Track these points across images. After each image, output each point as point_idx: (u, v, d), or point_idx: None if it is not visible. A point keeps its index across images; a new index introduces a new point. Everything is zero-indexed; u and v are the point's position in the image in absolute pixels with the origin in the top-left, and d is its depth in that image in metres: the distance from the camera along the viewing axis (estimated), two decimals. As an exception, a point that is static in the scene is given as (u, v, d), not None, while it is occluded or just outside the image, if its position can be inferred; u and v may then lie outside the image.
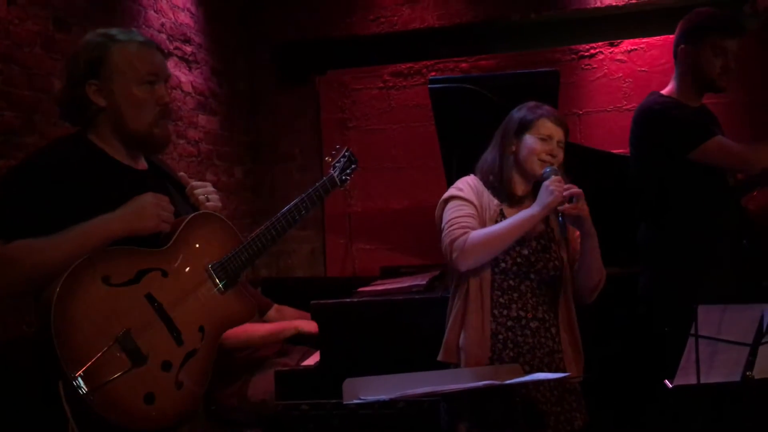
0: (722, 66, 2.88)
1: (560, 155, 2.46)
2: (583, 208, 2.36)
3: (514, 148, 2.48)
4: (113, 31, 2.05)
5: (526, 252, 2.44)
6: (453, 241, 2.39)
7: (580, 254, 2.46)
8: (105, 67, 1.99)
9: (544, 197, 2.36)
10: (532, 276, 2.45)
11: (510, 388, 2.32)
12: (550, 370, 2.39)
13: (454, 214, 2.44)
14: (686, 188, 2.88)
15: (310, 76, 5.30)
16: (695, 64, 2.91)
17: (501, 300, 2.44)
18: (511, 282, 2.44)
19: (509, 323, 2.43)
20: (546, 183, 2.37)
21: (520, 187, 2.51)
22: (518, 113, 2.52)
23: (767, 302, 2.26)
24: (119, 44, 2.01)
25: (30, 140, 3.15)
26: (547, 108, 2.50)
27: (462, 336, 2.44)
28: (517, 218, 2.39)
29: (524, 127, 2.48)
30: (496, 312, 2.43)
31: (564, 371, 2.41)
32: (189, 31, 4.51)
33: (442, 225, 2.46)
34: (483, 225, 2.45)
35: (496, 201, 2.49)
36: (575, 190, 2.36)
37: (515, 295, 2.44)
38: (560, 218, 2.38)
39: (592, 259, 2.43)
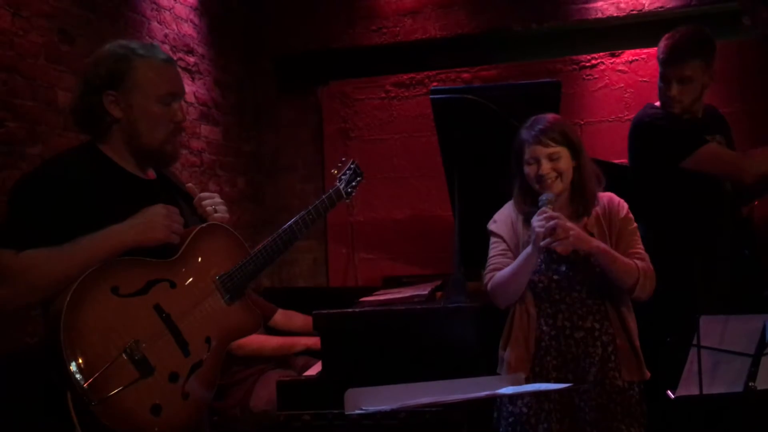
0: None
1: (559, 165, 2.48)
2: (565, 238, 2.36)
3: (521, 176, 2.56)
4: (134, 44, 2.07)
5: (563, 268, 2.49)
6: (486, 284, 2.56)
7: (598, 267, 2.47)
8: (126, 80, 2.00)
9: (533, 238, 2.40)
10: (578, 288, 2.49)
11: (546, 395, 2.40)
12: (596, 380, 2.44)
13: (490, 254, 2.60)
14: (682, 198, 2.90)
15: (312, 86, 5.31)
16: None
17: (549, 311, 2.51)
18: (556, 296, 2.50)
19: (553, 332, 2.49)
20: (532, 223, 2.41)
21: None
22: (515, 141, 2.57)
23: (769, 312, 2.27)
24: (142, 59, 2.02)
25: (33, 151, 3.16)
26: (534, 127, 2.51)
27: (507, 351, 2.53)
28: (520, 258, 2.46)
29: (519, 155, 2.55)
30: (542, 321, 2.51)
31: (616, 379, 2.45)
32: (192, 42, 4.54)
33: None
34: (518, 251, 2.53)
35: (526, 227, 2.53)
36: (551, 224, 2.35)
37: (562, 306, 2.50)
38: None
39: (606, 269, 2.44)
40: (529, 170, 2.51)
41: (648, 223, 3.00)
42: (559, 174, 2.49)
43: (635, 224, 2.56)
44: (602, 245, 2.43)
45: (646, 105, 3.09)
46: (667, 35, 2.98)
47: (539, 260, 2.47)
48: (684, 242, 2.89)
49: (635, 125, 3.02)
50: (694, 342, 2.23)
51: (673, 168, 2.85)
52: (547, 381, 2.45)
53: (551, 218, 2.36)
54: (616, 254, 2.45)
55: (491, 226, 2.63)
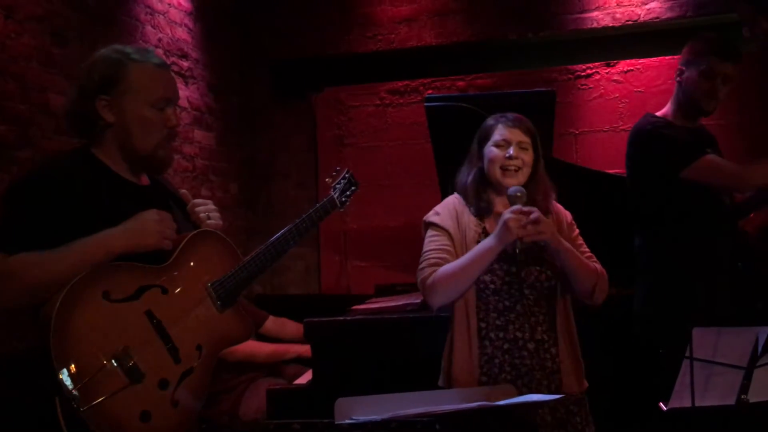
0: (709, 89, 2.90)
1: (526, 157, 2.42)
2: (541, 230, 2.28)
3: (480, 163, 2.47)
4: (129, 49, 2.05)
5: (514, 269, 2.38)
6: (423, 280, 2.37)
7: (561, 267, 2.39)
8: (119, 85, 1.99)
9: (501, 232, 2.28)
10: (527, 292, 2.38)
11: (506, 412, 2.31)
12: (548, 391, 2.35)
13: (427, 247, 2.42)
14: (680, 209, 2.89)
15: (306, 93, 5.31)
16: (686, 86, 2.95)
17: (498, 322, 2.38)
18: (506, 303, 2.38)
19: (506, 346, 2.37)
20: (504, 216, 2.29)
21: (498, 202, 2.46)
22: (479, 130, 2.51)
23: (762, 325, 2.26)
24: (136, 64, 2.01)
25: (24, 154, 3.15)
26: (507, 114, 2.48)
27: (451, 362, 2.40)
28: (477, 251, 2.33)
29: (484, 138, 2.47)
30: (492, 335, 2.38)
31: (562, 391, 2.36)
32: (186, 47, 4.53)
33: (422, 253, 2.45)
34: (463, 248, 2.41)
35: (475, 220, 2.45)
36: (535, 215, 2.27)
37: (512, 316, 2.38)
38: (517, 251, 2.31)
39: (572, 269, 2.36)
40: (496, 153, 2.41)
41: (644, 234, 3.00)
42: (522, 166, 2.42)
43: (578, 230, 2.52)
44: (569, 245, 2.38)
45: (645, 114, 3.07)
46: (707, 34, 2.99)
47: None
48: (681, 253, 2.88)
49: (635, 133, 3.01)
50: (687, 354, 2.22)
51: (673, 177, 2.84)
52: None
53: (532, 211, 2.27)
54: (580, 255, 2.39)
55: (433, 218, 2.47)
